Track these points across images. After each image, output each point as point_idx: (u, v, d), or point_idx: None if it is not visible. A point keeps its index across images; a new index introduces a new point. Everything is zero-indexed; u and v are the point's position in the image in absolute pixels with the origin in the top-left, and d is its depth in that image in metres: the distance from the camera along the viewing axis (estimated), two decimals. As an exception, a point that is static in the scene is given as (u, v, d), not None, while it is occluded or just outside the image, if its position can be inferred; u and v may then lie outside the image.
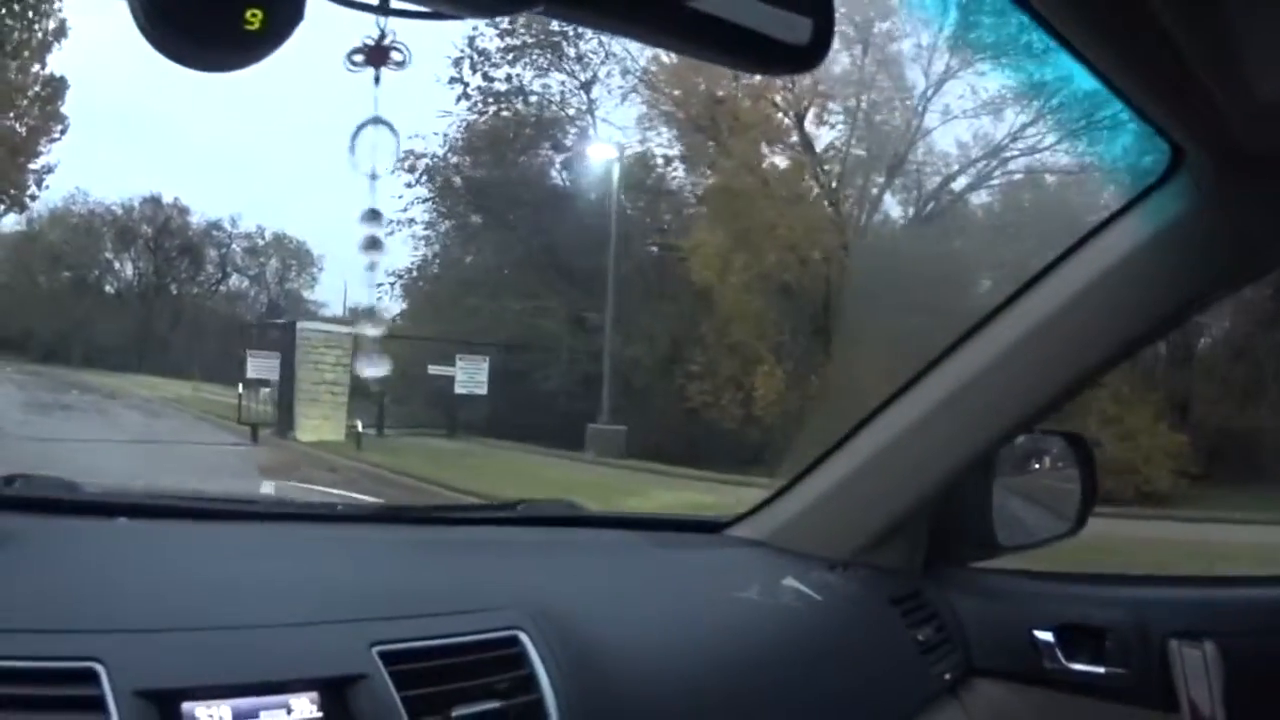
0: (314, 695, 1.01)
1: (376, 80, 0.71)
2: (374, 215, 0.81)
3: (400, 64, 0.71)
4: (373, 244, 0.82)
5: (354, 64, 0.70)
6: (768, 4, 0.71)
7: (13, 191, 19.80)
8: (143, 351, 24.17)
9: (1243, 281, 1.66)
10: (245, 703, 0.96)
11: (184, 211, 26.31)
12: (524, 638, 1.18)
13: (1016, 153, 15.83)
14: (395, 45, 0.70)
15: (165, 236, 26.17)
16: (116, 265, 26.86)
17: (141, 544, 1.24)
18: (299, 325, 16.68)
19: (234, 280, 28.06)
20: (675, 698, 1.30)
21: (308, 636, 1.08)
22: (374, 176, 0.77)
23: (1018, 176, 16.02)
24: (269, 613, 1.10)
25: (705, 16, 0.68)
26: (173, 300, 26.49)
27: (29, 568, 1.08)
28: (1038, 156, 15.71)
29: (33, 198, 20.28)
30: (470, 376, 16.58)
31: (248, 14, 0.58)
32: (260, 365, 15.65)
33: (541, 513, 1.70)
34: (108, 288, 26.94)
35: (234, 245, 27.49)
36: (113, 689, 0.91)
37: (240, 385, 15.68)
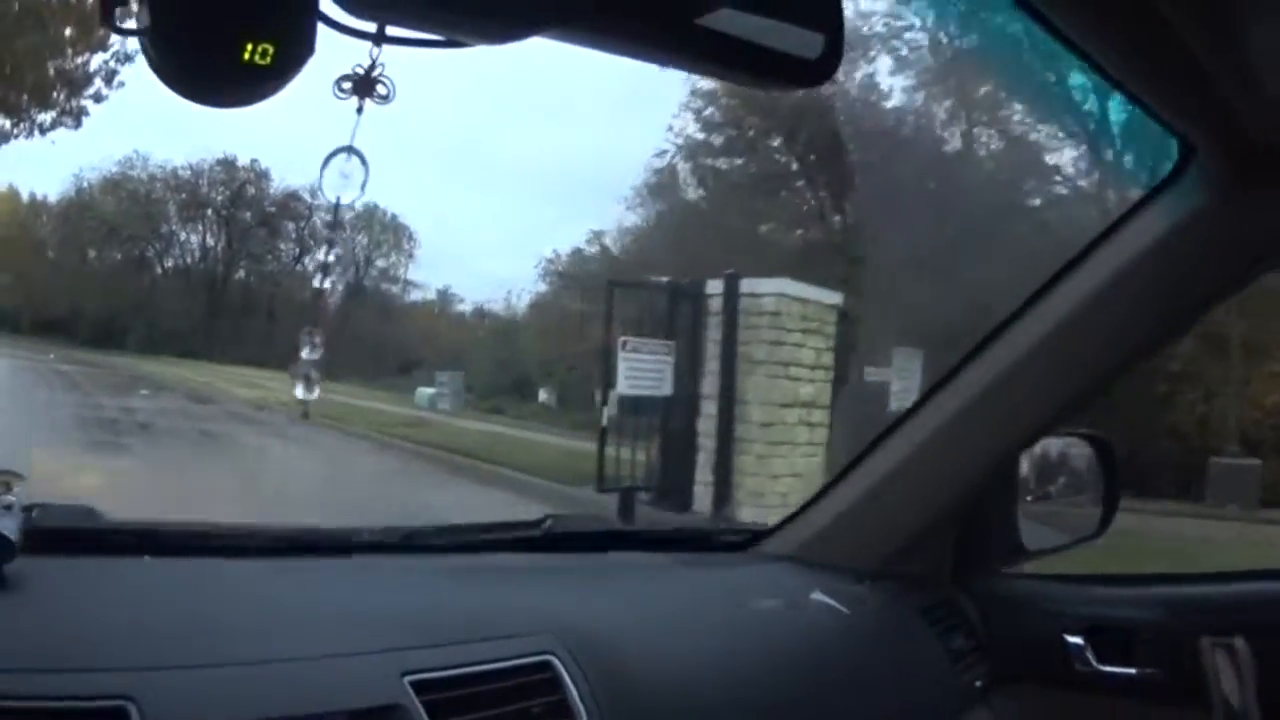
0: None
1: (359, 110, 0.72)
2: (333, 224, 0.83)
3: (385, 98, 0.72)
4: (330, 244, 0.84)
5: (342, 91, 0.70)
6: (777, 20, 0.71)
7: (64, 91, 12.03)
8: (212, 336, 20.30)
9: (1257, 275, 1.66)
10: None
11: (262, 176, 22.24)
12: (556, 663, 1.18)
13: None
14: (381, 79, 0.71)
15: (240, 205, 22.27)
16: (182, 237, 22.68)
17: (167, 579, 1.24)
18: (747, 284, 8.44)
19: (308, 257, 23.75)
20: (708, 718, 1.30)
21: (338, 668, 1.08)
22: (338, 204, 0.78)
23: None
24: (298, 645, 1.10)
25: (715, 35, 0.68)
26: (245, 278, 22.49)
27: (53, 605, 1.07)
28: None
29: (97, 99, 12.70)
30: (905, 383, 9.68)
31: (258, 50, 0.59)
32: (641, 370, 7.64)
33: (570, 529, 1.69)
34: (170, 263, 22.99)
35: (315, 218, 22.96)
36: None
37: (604, 408, 7.90)
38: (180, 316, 20.12)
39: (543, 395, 11.93)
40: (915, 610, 1.68)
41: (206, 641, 1.07)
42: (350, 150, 0.77)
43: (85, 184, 20.90)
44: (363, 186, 0.78)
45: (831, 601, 1.57)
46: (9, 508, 1.10)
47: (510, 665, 1.16)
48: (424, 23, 0.62)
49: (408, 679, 1.07)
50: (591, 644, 1.24)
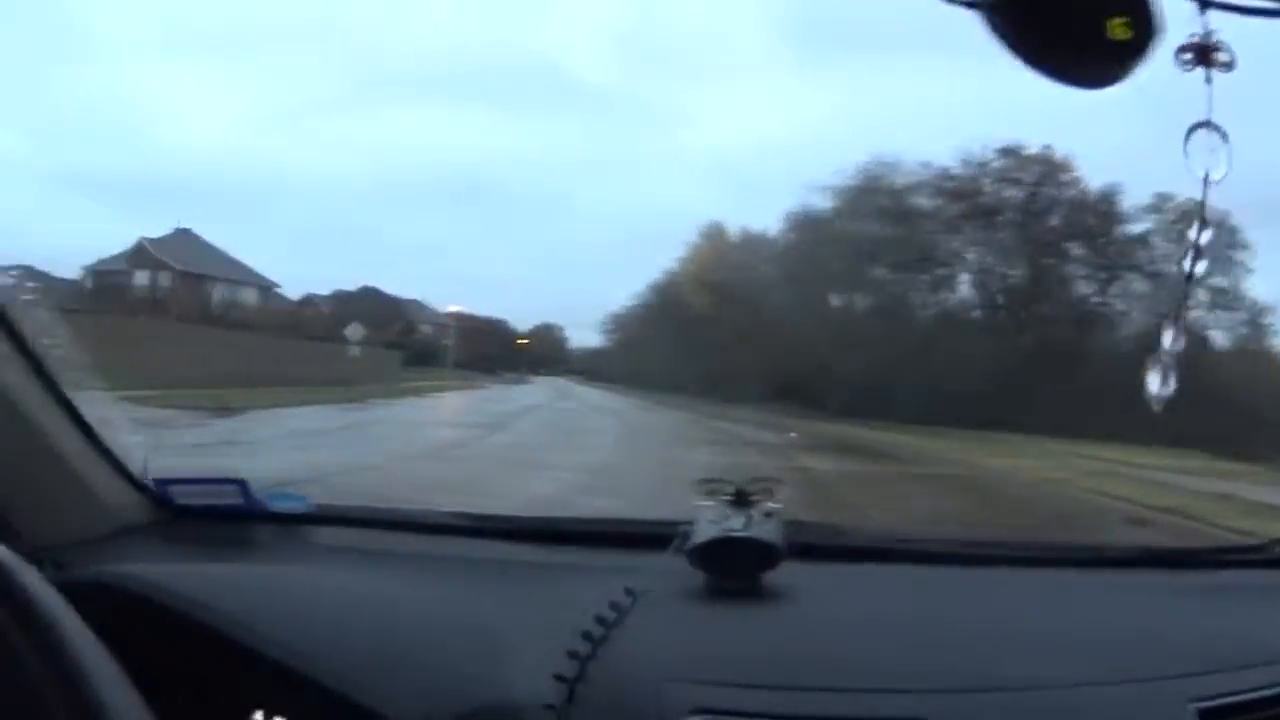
0: None
1: (1208, 80, 0.68)
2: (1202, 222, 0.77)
3: (1228, 65, 0.67)
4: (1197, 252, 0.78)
5: (1183, 62, 0.67)
6: None
7: None
8: (1032, 400, 13.04)
9: None
10: None
11: (1060, 169, 14.78)
12: None
13: None
14: (1219, 45, 0.66)
15: (1034, 213, 14.49)
16: (969, 258, 15.33)
17: (936, 592, 1.24)
18: None
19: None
20: None
21: (1124, 694, 1.02)
22: (1207, 180, 0.73)
23: None
24: (1082, 668, 1.06)
25: None
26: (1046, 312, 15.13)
27: (819, 617, 1.11)
28: None
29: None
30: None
31: (1117, 24, 0.57)
32: None
33: None
34: (949, 296, 15.86)
35: (1117, 229, 15.85)
36: None
37: None
38: (974, 375, 13.17)
39: None
40: None
41: (998, 661, 1.05)
42: (1209, 125, 0.72)
43: (821, 204, 15.00)
44: (1227, 161, 0.74)
45: None
46: (770, 515, 1.14)
47: None
48: None
49: (1193, 706, 1.00)
50: None
